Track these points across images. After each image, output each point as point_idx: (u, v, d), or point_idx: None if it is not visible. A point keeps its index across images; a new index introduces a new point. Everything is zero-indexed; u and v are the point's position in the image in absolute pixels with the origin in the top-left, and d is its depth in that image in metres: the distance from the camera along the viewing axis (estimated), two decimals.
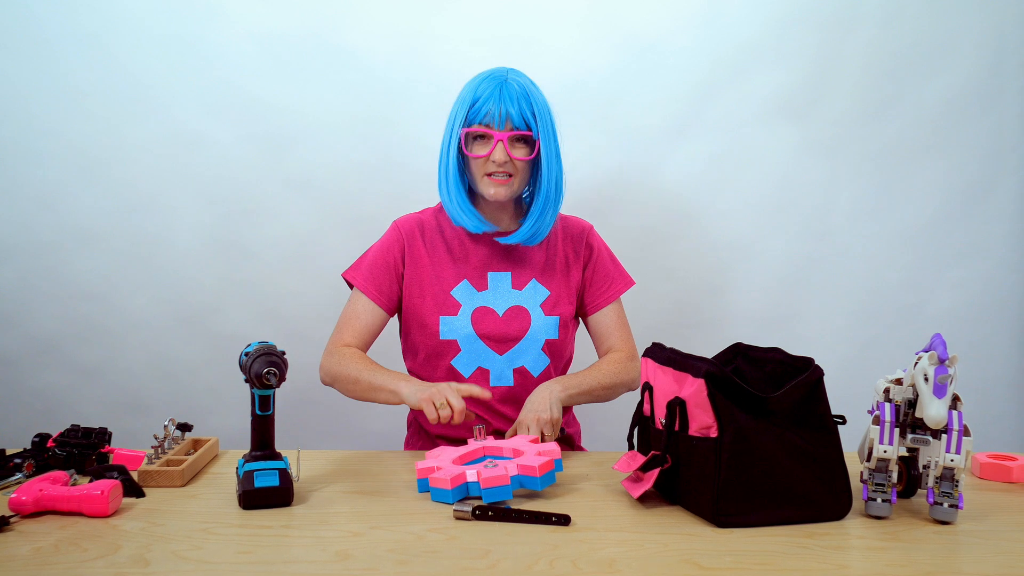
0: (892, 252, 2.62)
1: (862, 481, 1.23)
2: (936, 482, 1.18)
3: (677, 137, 2.56)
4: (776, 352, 1.33)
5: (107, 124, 2.50)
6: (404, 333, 1.83)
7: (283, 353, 1.27)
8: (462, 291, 1.74)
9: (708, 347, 1.43)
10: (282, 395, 1.32)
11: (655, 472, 1.24)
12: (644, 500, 1.26)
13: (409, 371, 1.83)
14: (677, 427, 1.24)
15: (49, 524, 1.15)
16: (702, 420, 1.18)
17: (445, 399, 1.47)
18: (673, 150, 2.56)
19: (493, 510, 1.17)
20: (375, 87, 2.52)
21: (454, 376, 1.73)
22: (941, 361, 1.12)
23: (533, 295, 1.76)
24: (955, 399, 1.17)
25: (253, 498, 1.23)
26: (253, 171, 2.53)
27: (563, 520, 1.16)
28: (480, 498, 1.24)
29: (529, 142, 1.67)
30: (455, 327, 1.72)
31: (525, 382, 1.73)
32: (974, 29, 2.54)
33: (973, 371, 2.55)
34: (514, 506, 1.21)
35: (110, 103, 2.48)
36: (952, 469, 1.17)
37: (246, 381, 1.26)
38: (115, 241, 2.53)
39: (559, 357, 1.80)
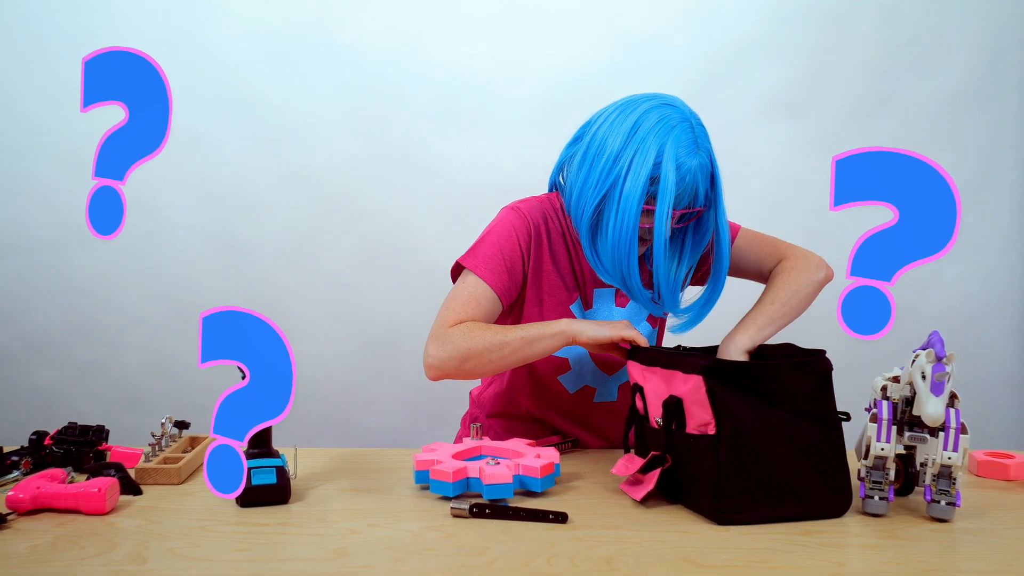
0: None
1: (859, 479, 1.23)
2: (933, 480, 1.18)
3: None
4: (788, 347, 1.33)
5: (104, 122, 2.49)
6: None
7: None
8: (576, 308, 1.57)
9: (707, 344, 1.43)
10: None
11: (656, 473, 1.24)
12: (644, 501, 1.26)
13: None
14: (674, 426, 1.23)
15: (46, 522, 1.15)
16: (700, 417, 1.18)
17: (628, 333, 1.36)
18: None
19: (490, 508, 1.17)
20: (372, 85, 2.52)
21: (558, 393, 1.61)
22: (939, 359, 1.12)
23: (637, 310, 1.61)
24: (953, 397, 1.17)
25: (250, 496, 1.23)
26: (250, 169, 2.53)
27: (560, 518, 1.16)
28: (478, 495, 1.24)
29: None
30: (570, 346, 1.48)
31: (626, 395, 1.64)
32: (970, 26, 2.54)
33: (971, 369, 2.55)
34: (511, 504, 1.21)
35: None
36: (949, 467, 1.17)
37: (243, 379, 1.26)
38: (113, 239, 2.53)
39: None
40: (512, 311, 1.57)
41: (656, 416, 1.27)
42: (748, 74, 2.55)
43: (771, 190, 2.59)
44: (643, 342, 1.37)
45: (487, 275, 1.48)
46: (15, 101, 2.47)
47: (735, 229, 1.68)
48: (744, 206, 2.60)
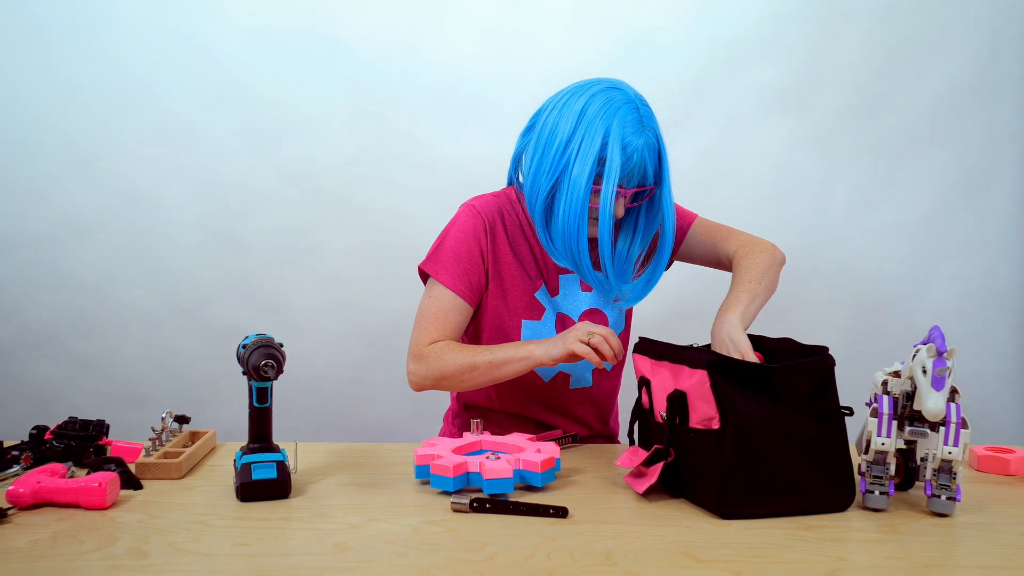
0: (889, 245, 2.62)
1: (860, 473, 1.23)
2: (934, 474, 1.18)
3: (672, 131, 2.53)
4: (788, 343, 1.33)
5: (103, 118, 2.50)
6: (471, 333, 1.67)
7: (281, 345, 1.27)
8: (543, 295, 1.60)
9: (706, 340, 1.43)
10: (280, 387, 1.32)
11: (659, 466, 1.24)
12: (645, 493, 1.26)
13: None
14: (678, 420, 1.23)
15: (47, 516, 1.15)
16: (704, 411, 1.18)
17: (601, 336, 1.36)
18: (668, 143, 2.53)
19: (491, 502, 1.17)
20: (370, 81, 2.52)
21: (531, 381, 1.62)
22: (939, 353, 1.12)
23: (603, 294, 1.61)
24: (953, 392, 1.17)
25: (251, 490, 1.23)
26: (249, 165, 2.53)
27: (561, 512, 1.16)
28: (478, 489, 1.25)
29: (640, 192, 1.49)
30: (539, 333, 1.58)
31: (602, 380, 1.67)
32: (970, 21, 2.54)
33: (971, 364, 2.56)
34: (511, 499, 1.21)
35: (106, 97, 2.48)
36: (950, 462, 1.17)
37: (244, 373, 1.26)
38: (111, 234, 2.53)
39: (627, 348, 1.68)
40: (479, 305, 1.61)
41: (661, 410, 1.28)
42: (747, 70, 2.55)
43: (769, 186, 2.59)
44: (594, 360, 1.37)
45: (450, 282, 1.55)
46: (14, 98, 2.47)
47: (691, 217, 1.70)
48: (742, 202, 2.60)
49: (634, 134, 1.42)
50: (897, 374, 1.23)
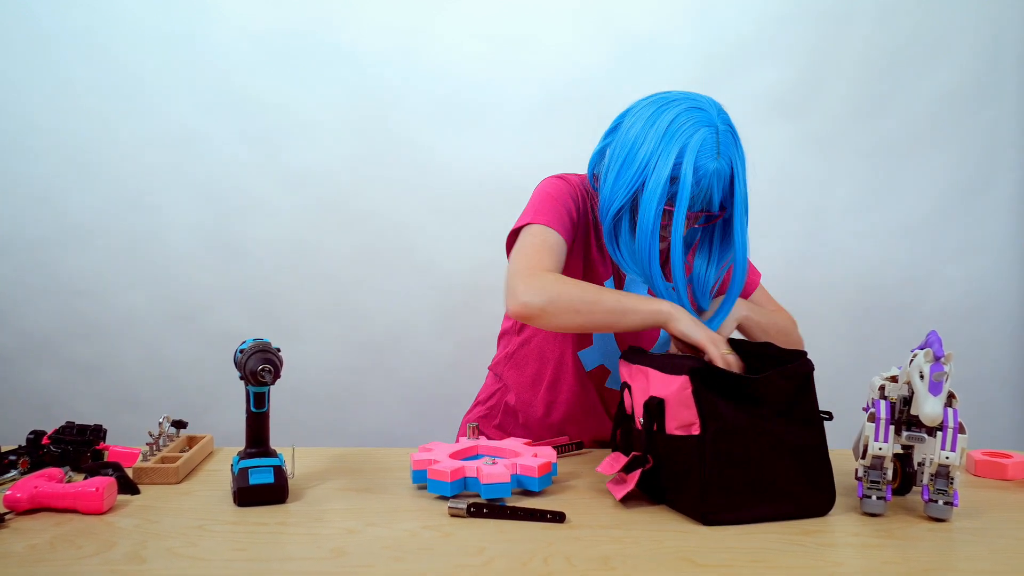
0: (888, 249, 2.62)
1: (857, 478, 1.23)
2: (931, 479, 1.18)
3: None
4: (768, 347, 1.33)
5: (102, 122, 2.50)
6: None
7: (278, 350, 1.27)
8: (608, 286, 1.57)
9: None
10: (277, 392, 1.32)
11: (637, 473, 1.24)
12: (630, 500, 1.26)
13: (510, 354, 1.68)
14: (655, 427, 1.24)
15: (44, 521, 1.15)
16: (684, 417, 1.18)
17: (728, 347, 1.31)
18: None
19: (488, 507, 1.17)
20: (370, 85, 2.52)
21: (576, 366, 1.60)
22: (937, 358, 1.12)
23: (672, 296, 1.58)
24: (951, 396, 1.17)
25: (248, 495, 1.23)
26: (248, 169, 2.53)
27: (558, 517, 1.16)
28: (476, 494, 1.24)
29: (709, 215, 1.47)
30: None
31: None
32: (970, 25, 2.55)
33: (969, 368, 2.56)
34: (509, 503, 1.21)
35: (105, 101, 2.48)
36: (947, 467, 1.17)
37: (241, 378, 1.26)
38: (110, 238, 2.53)
39: None
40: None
41: (640, 416, 1.28)
42: (747, 74, 2.55)
43: (769, 189, 2.59)
44: (721, 363, 1.28)
45: (553, 222, 1.46)
46: (14, 100, 2.47)
47: (758, 276, 1.73)
48: None
49: (707, 159, 1.38)
50: (894, 379, 1.23)
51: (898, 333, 2.61)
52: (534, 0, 2.51)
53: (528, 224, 1.47)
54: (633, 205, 1.42)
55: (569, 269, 1.52)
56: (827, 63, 2.55)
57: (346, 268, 2.58)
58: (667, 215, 1.43)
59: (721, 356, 1.29)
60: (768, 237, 2.60)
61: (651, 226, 1.38)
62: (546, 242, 1.45)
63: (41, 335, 2.56)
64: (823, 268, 2.63)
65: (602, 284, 1.56)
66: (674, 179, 1.37)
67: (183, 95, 2.50)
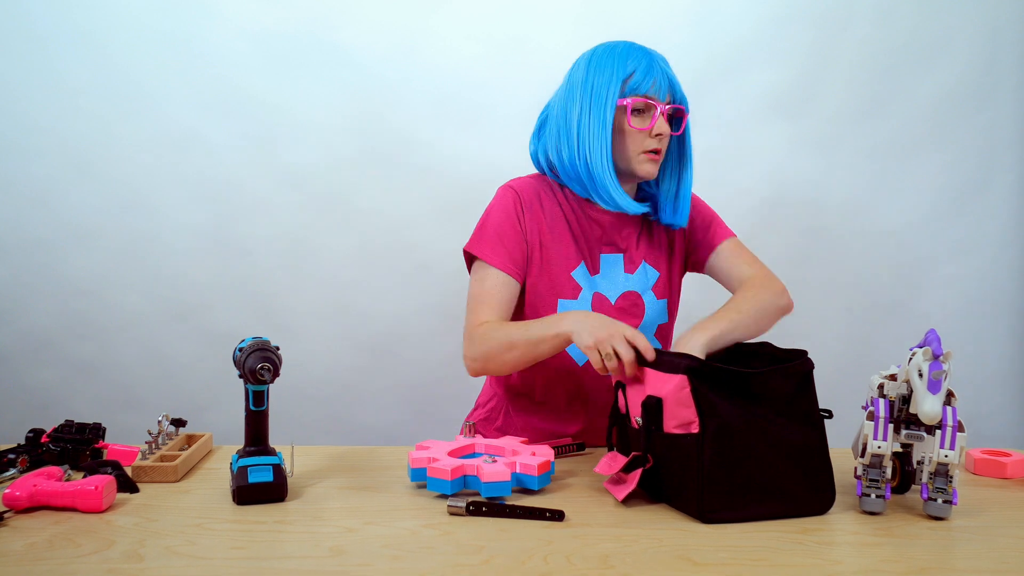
0: (886, 248, 2.62)
1: (856, 477, 1.23)
2: (930, 478, 1.18)
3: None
4: (766, 346, 1.34)
5: (101, 121, 2.50)
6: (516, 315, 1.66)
7: (277, 349, 1.27)
8: (580, 273, 1.60)
9: None
10: (276, 391, 1.32)
11: (638, 473, 1.24)
12: (629, 499, 1.26)
13: None
14: (653, 427, 1.24)
15: (43, 519, 1.15)
16: (683, 416, 1.18)
17: (612, 349, 1.30)
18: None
19: (487, 505, 1.17)
20: (369, 84, 2.52)
21: (562, 362, 1.62)
22: (936, 357, 1.12)
23: (644, 278, 1.64)
24: (949, 395, 1.17)
25: (247, 493, 1.23)
26: (247, 168, 2.53)
27: (557, 516, 1.16)
28: (475, 492, 1.25)
29: (674, 119, 1.58)
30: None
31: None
32: (968, 26, 2.55)
33: (968, 367, 2.56)
34: (508, 502, 1.21)
35: (104, 100, 2.48)
36: (946, 465, 1.17)
37: (240, 377, 1.26)
38: (109, 238, 2.53)
39: (669, 342, 1.71)
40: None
41: (636, 415, 1.28)
42: (746, 74, 2.55)
43: (768, 189, 2.60)
44: (597, 366, 1.33)
45: (494, 259, 1.56)
46: (11, 100, 2.47)
47: (729, 233, 1.72)
48: (741, 205, 2.60)
49: (627, 49, 1.52)
50: (893, 377, 1.23)
51: (897, 332, 2.61)
52: (534, 0, 2.51)
53: (477, 257, 1.59)
54: (584, 119, 1.53)
55: (531, 272, 1.60)
56: (826, 64, 2.55)
57: (345, 267, 2.58)
58: (640, 119, 1.52)
59: (601, 363, 1.32)
60: (767, 236, 2.60)
61: (601, 123, 1.50)
62: (487, 288, 1.57)
63: (40, 334, 2.56)
64: (822, 267, 2.63)
65: (569, 275, 1.60)
66: (625, 81, 1.50)
67: (181, 94, 2.50)
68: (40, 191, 2.50)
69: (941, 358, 1.12)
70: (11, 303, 2.54)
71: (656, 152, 1.53)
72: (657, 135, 1.51)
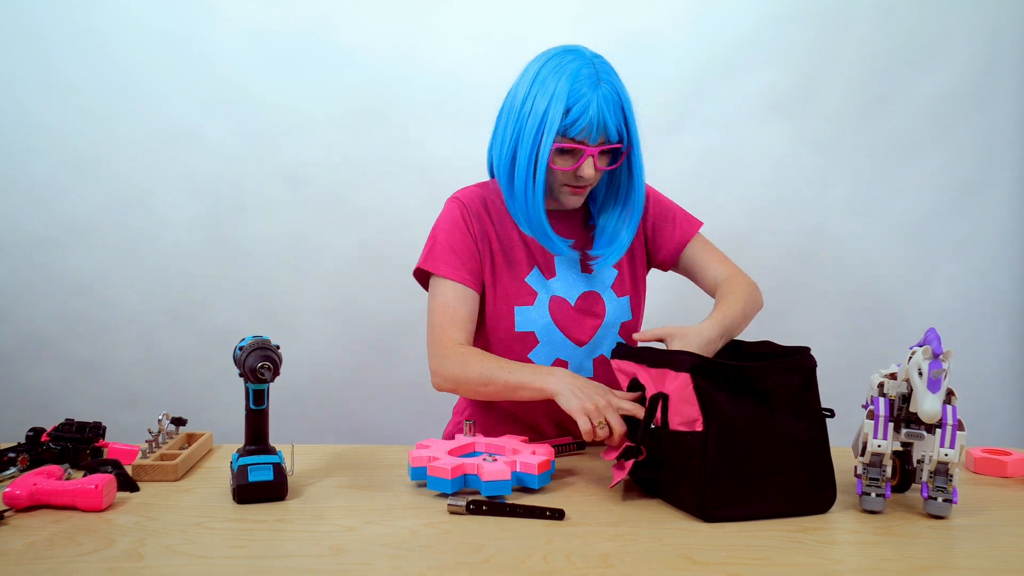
0: (886, 248, 2.62)
1: (856, 476, 1.23)
2: (930, 477, 1.18)
3: (671, 133, 2.56)
4: (767, 345, 1.34)
5: (101, 120, 2.49)
6: (478, 333, 1.65)
7: (277, 348, 1.27)
8: (535, 279, 1.59)
9: None
10: (276, 390, 1.32)
11: (629, 463, 1.25)
12: (628, 497, 1.27)
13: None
14: (658, 422, 1.24)
15: (43, 518, 1.15)
16: (687, 414, 1.18)
17: (605, 419, 1.31)
18: (667, 146, 2.56)
19: (487, 504, 1.17)
20: (369, 84, 2.52)
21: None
22: (935, 355, 1.12)
23: (602, 277, 1.62)
24: (949, 394, 1.17)
25: (247, 492, 1.23)
26: (246, 167, 2.53)
27: (557, 514, 1.16)
28: (475, 491, 1.24)
29: (614, 152, 1.50)
30: (532, 318, 1.57)
31: (606, 371, 1.59)
32: (968, 25, 2.55)
33: (968, 366, 2.56)
34: (508, 501, 1.21)
35: (104, 99, 2.48)
36: (946, 464, 1.17)
37: (240, 375, 1.26)
38: (109, 237, 2.53)
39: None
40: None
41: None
42: (745, 74, 2.55)
43: (767, 188, 2.59)
44: (589, 436, 1.31)
45: (450, 273, 1.55)
46: (11, 99, 2.47)
47: (697, 225, 1.70)
48: (741, 204, 2.60)
49: (588, 88, 1.42)
50: (893, 376, 1.23)
51: (897, 331, 2.61)
52: (532, 0, 2.50)
53: (433, 274, 1.57)
54: (518, 155, 1.48)
55: (500, 272, 1.59)
56: (825, 63, 2.55)
57: (345, 266, 2.58)
58: (568, 158, 1.47)
59: (592, 430, 1.31)
60: (767, 236, 2.60)
61: (527, 165, 1.46)
62: (448, 303, 1.54)
63: (40, 333, 2.56)
64: (822, 267, 2.63)
65: (523, 281, 1.59)
66: (565, 113, 1.42)
67: (181, 94, 2.50)
68: (40, 190, 2.50)
69: (941, 357, 1.12)
70: (11, 302, 2.54)
71: (579, 188, 1.50)
72: (579, 176, 1.47)
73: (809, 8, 2.53)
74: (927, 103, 2.58)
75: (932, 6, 2.54)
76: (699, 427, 1.16)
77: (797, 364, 1.21)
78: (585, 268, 1.62)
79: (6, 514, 1.14)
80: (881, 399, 1.20)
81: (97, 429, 1.44)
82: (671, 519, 1.17)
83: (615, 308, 1.63)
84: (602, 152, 1.46)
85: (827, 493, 1.20)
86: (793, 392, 1.20)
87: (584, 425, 1.31)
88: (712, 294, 1.62)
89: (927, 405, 1.12)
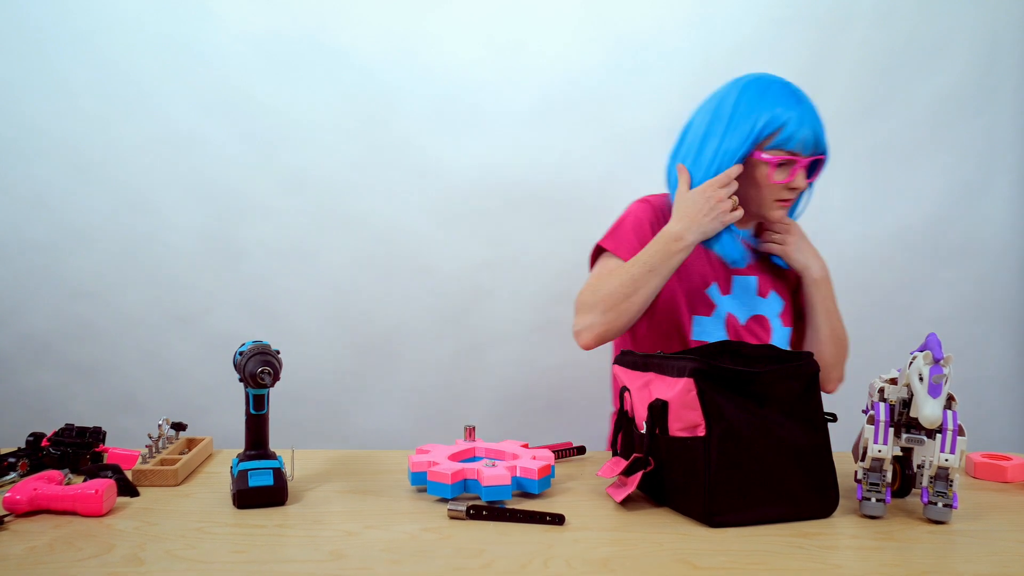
0: (886, 252, 2.62)
1: (856, 481, 1.23)
2: (930, 482, 1.18)
3: (671, 137, 2.56)
4: (768, 349, 1.33)
5: (101, 124, 2.50)
6: (644, 323, 1.66)
7: (277, 352, 1.27)
8: (713, 292, 1.62)
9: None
10: (276, 394, 1.32)
11: (638, 476, 1.24)
12: (629, 503, 1.26)
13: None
14: (658, 430, 1.24)
15: (43, 523, 1.15)
16: (689, 419, 1.18)
17: (721, 203, 1.46)
18: (666, 151, 2.55)
19: (487, 509, 1.17)
20: (368, 87, 2.52)
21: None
22: (936, 360, 1.12)
23: (774, 304, 1.66)
24: (950, 399, 1.17)
25: (247, 497, 1.23)
26: (247, 171, 2.53)
27: (557, 520, 1.16)
28: (476, 496, 1.24)
29: (812, 164, 1.57)
30: (708, 329, 1.59)
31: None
32: (967, 28, 2.55)
33: (968, 371, 2.56)
34: (508, 506, 1.21)
35: (104, 103, 2.48)
36: (946, 469, 1.17)
37: (240, 380, 1.26)
38: (109, 240, 2.53)
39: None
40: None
41: (642, 419, 1.28)
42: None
43: None
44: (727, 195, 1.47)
45: (625, 254, 1.56)
46: (11, 103, 2.47)
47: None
48: None
49: (796, 103, 1.50)
50: (894, 381, 1.23)
51: (897, 336, 2.61)
52: (533, 3, 2.51)
53: (607, 250, 1.60)
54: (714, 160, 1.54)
55: (682, 278, 1.61)
56: (825, 66, 2.56)
57: (345, 270, 2.58)
58: (781, 170, 1.51)
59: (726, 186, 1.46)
60: None
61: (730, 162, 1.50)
62: (608, 270, 1.56)
63: (40, 337, 2.56)
64: None
65: (703, 292, 1.61)
66: (776, 131, 1.48)
67: (182, 98, 2.50)
68: (40, 193, 2.50)
69: (942, 362, 1.12)
70: (11, 306, 2.54)
71: (788, 201, 1.56)
72: (793, 188, 1.53)
73: (809, 10, 2.53)
74: (927, 106, 2.58)
75: (932, 8, 2.54)
76: (701, 432, 1.16)
77: (799, 369, 1.21)
78: (761, 292, 1.65)
79: (6, 519, 1.14)
80: (881, 404, 1.20)
81: (97, 434, 1.44)
82: (671, 524, 1.17)
83: (780, 336, 1.66)
84: (811, 162, 1.53)
85: (830, 497, 1.20)
86: (795, 397, 1.20)
87: (736, 217, 1.48)
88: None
89: (928, 410, 1.12)
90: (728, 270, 1.63)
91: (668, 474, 1.23)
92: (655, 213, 1.63)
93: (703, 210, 1.46)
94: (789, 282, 1.71)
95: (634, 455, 1.27)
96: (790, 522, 1.17)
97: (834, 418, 1.23)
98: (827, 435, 1.21)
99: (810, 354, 1.24)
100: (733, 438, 1.15)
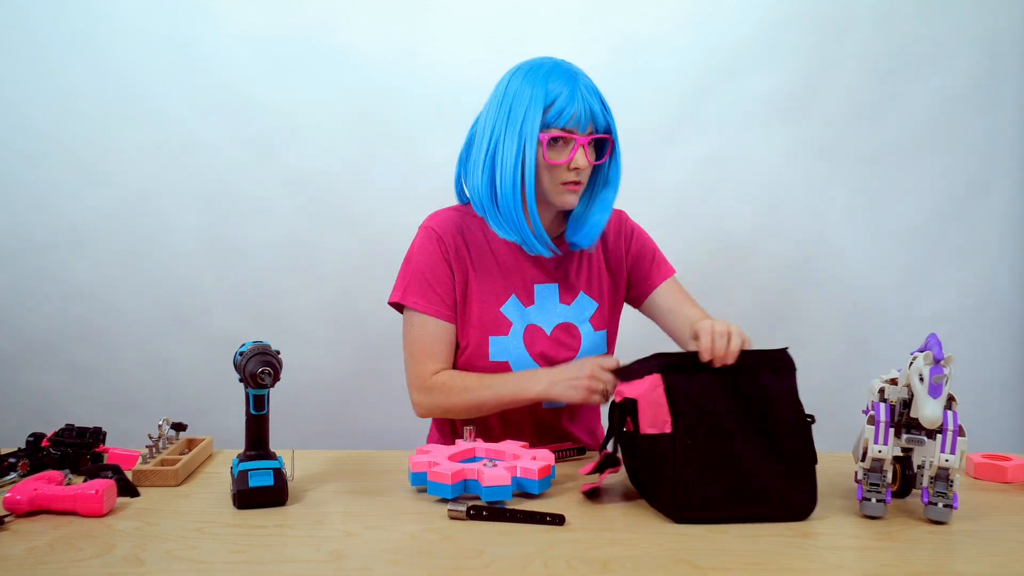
0: (887, 252, 2.62)
1: (856, 481, 1.23)
2: (931, 482, 1.18)
3: (671, 138, 2.56)
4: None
5: (100, 125, 2.50)
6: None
7: (278, 353, 1.27)
8: (511, 307, 1.57)
9: None
10: (276, 395, 1.31)
11: (606, 473, 1.27)
12: (633, 502, 1.27)
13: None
14: (629, 427, 1.24)
15: (44, 524, 1.15)
16: (658, 415, 1.18)
17: (602, 383, 1.37)
18: (667, 151, 2.56)
19: (488, 510, 1.17)
20: (368, 88, 2.52)
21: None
22: (936, 361, 1.12)
23: (581, 310, 1.61)
24: (950, 399, 1.17)
25: (247, 498, 1.23)
26: (246, 172, 2.53)
27: (557, 520, 1.16)
28: (475, 496, 1.24)
29: (599, 143, 1.51)
30: (506, 348, 1.55)
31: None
32: (969, 29, 2.55)
33: (968, 371, 2.55)
34: (508, 506, 1.21)
35: (103, 104, 2.48)
36: (947, 469, 1.17)
37: (240, 381, 1.26)
38: (109, 242, 2.53)
39: None
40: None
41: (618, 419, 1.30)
42: (745, 79, 2.55)
43: (768, 194, 2.59)
44: (612, 386, 1.38)
45: (426, 307, 1.55)
46: (10, 104, 2.47)
47: (671, 271, 1.69)
48: (741, 209, 2.60)
49: (567, 80, 1.43)
50: (894, 381, 1.23)
51: (897, 336, 2.61)
52: (534, 4, 2.51)
53: (407, 307, 1.57)
54: (497, 164, 1.48)
55: (474, 301, 1.57)
56: (826, 68, 2.55)
57: (345, 270, 2.58)
58: (559, 150, 1.45)
59: (600, 398, 1.39)
60: (766, 240, 2.60)
61: (515, 164, 1.44)
62: (427, 336, 1.55)
63: (40, 338, 2.56)
64: (823, 271, 2.62)
65: (498, 311, 1.57)
66: (546, 110, 1.42)
67: (181, 98, 2.50)
68: (40, 195, 2.50)
69: (942, 362, 1.12)
70: (11, 307, 2.54)
71: (576, 183, 1.48)
72: (574, 169, 1.45)
73: (810, 12, 2.53)
74: (928, 107, 2.58)
75: (932, 10, 2.54)
76: (668, 429, 1.16)
77: (775, 365, 1.20)
78: (564, 298, 1.60)
79: (6, 519, 1.14)
80: (882, 404, 1.20)
81: (97, 434, 1.45)
82: (671, 524, 1.17)
83: (590, 341, 1.62)
84: (589, 143, 1.46)
85: (806, 498, 1.19)
86: (771, 394, 1.19)
87: (594, 399, 1.38)
88: (684, 335, 1.59)
89: (928, 411, 1.12)
90: (529, 279, 1.59)
91: (643, 473, 1.24)
92: (441, 240, 1.58)
93: (571, 375, 1.40)
94: (606, 281, 1.66)
95: (603, 452, 1.29)
96: (765, 522, 1.16)
97: (812, 419, 1.22)
98: (806, 434, 1.20)
99: (785, 350, 1.23)
100: (700, 434, 1.15)
